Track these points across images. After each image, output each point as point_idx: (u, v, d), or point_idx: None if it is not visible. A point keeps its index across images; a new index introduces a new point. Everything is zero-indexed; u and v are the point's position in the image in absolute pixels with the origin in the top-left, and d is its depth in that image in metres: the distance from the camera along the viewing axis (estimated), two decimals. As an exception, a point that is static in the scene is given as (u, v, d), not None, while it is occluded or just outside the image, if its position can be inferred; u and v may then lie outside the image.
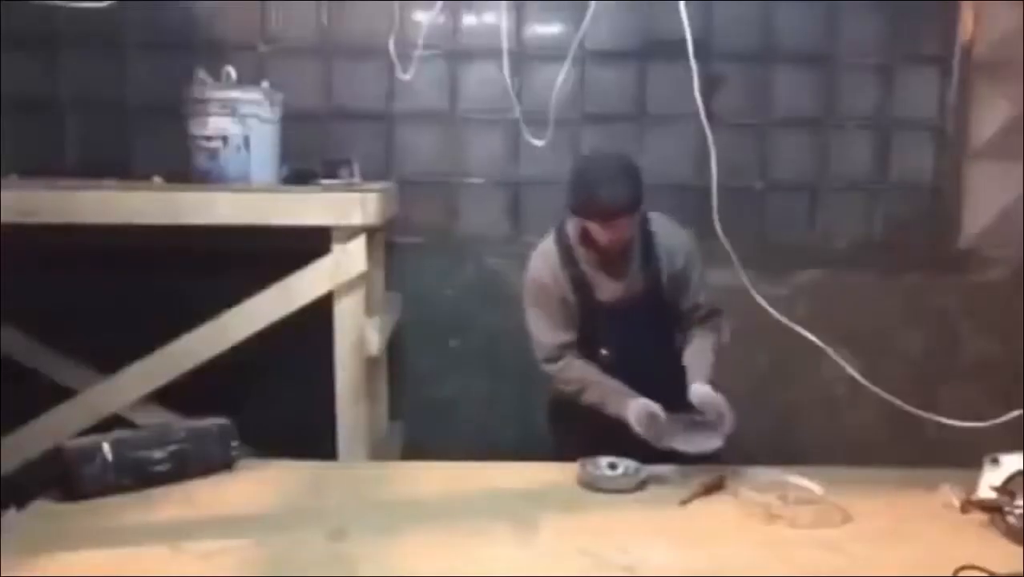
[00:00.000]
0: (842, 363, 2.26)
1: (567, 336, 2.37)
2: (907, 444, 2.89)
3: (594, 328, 2.39)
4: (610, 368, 2.36)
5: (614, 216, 2.22)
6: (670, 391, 2.26)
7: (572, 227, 2.37)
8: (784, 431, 3.01)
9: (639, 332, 2.37)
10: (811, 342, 2.25)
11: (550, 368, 2.40)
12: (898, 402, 2.16)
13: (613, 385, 2.31)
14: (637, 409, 2.20)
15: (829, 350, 2.24)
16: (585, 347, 2.40)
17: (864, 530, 1.91)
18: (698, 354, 2.36)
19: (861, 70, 3.39)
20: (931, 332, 3.44)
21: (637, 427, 2.18)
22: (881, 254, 3.44)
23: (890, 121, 3.41)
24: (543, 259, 2.39)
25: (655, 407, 2.20)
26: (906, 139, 3.43)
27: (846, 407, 3.25)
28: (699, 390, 2.24)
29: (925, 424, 2.20)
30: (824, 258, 3.42)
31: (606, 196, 2.20)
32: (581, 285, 2.36)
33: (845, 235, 3.45)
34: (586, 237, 2.33)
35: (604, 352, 2.39)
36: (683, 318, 2.43)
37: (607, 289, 2.37)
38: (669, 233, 2.41)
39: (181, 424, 2.22)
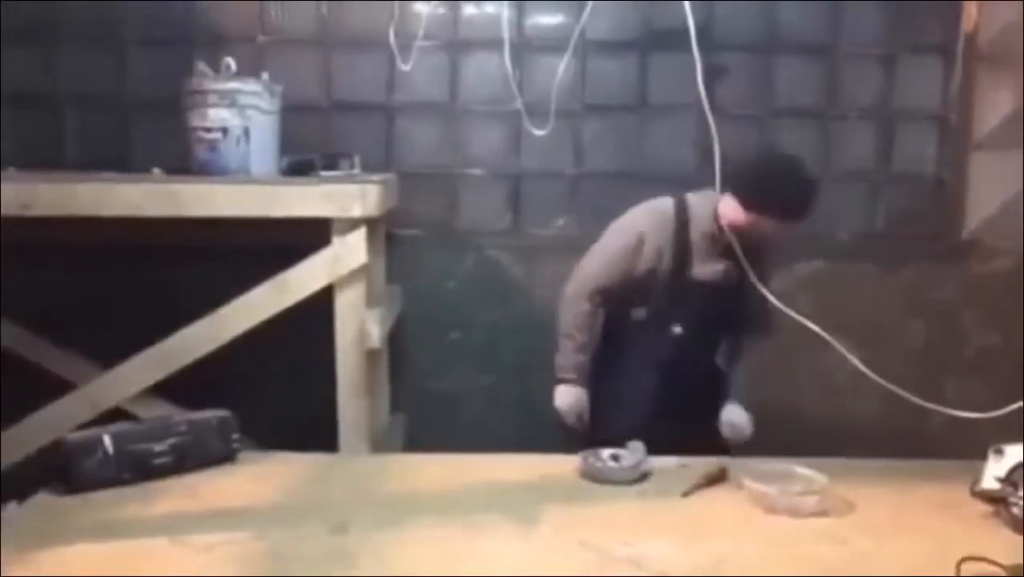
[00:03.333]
0: (846, 353, 2.25)
1: (608, 286, 2.44)
2: (910, 435, 2.89)
3: (674, 304, 2.43)
4: (675, 346, 2.43)
5: (793, 220, 2.29)
6: (708, 391, 2.44)
7: (727, 209, 2.36)
8: (787, 422, 3.01)
9: (714, 321, 2.42)
10: (814, 333, 2.24)
11: (568, 298, 2.48)
12: (902, 393, 2.15)
13: (571, 359, 2.47)
14: (562, 397, 2.45)
15: (833, 340, 2.23)
16: (658, 320, 2.45)
17: (867, 521, 1.90)
18: (741, 371, 2.48)
19: (864, 60, 3.38)
20: (934, 323, 3.43)
21: (558, 408, 2.45)
22: (884, 245, 3.43)
23: (893, 112, 3.40)
24: (653, 217, 2.43)
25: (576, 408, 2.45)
26: (909, 130, 3.42)
27: (849, 398, 3.24)
28: (735, 413, 2.41)
29: (928, 415, 2.19)
30: (826, 249, 3.41)
31: (800, 202, 2.28)
32: (683, 260, 2.40)
33: (847, 226, 3.44)
34: (736, 225, 2.34)
35: (676, 329, 2.44)
36: (745, 321, 2.49)
37: (703, 271, 2.41)
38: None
39: (182, 417, 2.21)
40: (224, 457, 2.18)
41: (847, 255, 3.41)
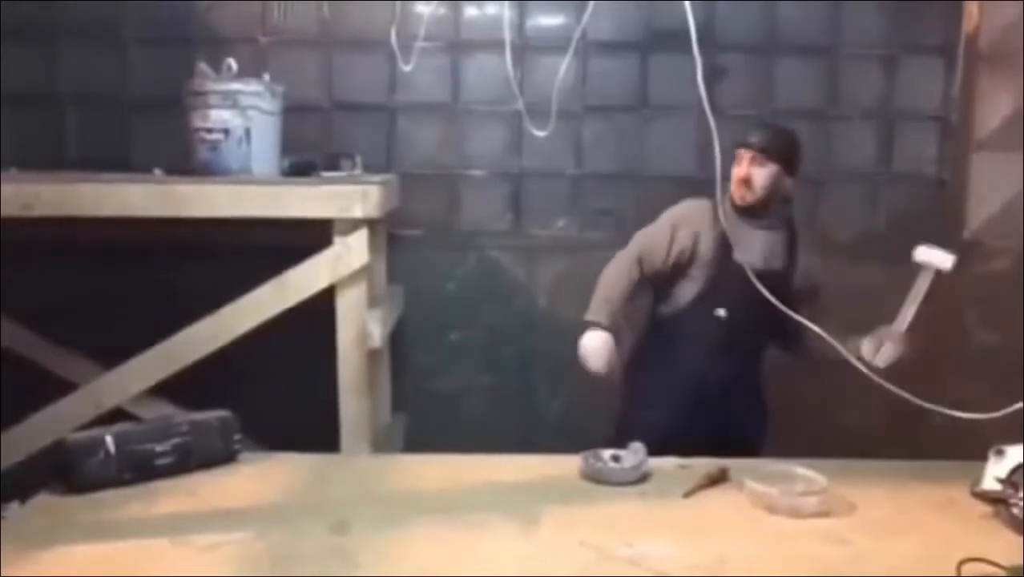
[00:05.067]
0: (846, 354, 2.25)
1: (652, 256, 2.60)
2: (911, 436, 2.89)
3: (718, 288, 2.53)
4: (719, 330, 2.53)
5: (749, 150, 2.52)
6: (751, 382, 2.58)
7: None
8: (788, 423, 3.00)
9: (760, 303, 2.40)
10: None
11: (615, 260, 2.63)
12: (902, 393, 2.15)
13: (601, 305, 2.55)
14: (588, 340, 2.49)
15: (833, 341, 2.23)
16: (703, 304, 2.55)
17: (868, 522, 1.90)
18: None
19: (864, 61, 3.38)
20: (935, 324, 3.42)
21: (582, 353, 2.49)
22: (884, 246, 3.42)
23: (894, 112, 3.40)
24: (689, 207, 2.63)
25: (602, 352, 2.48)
26: (910, 130, 3.42)
27: (849, 399, 3.24)
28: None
29: (929, 415, 2.19)
30: (827, 249, 3.39)
31: (750, 134, 2.56)
32: (722, 241, 2.51)
33: (848, 227, 3.44)
34: (739, 176, 2.54)
35: (720, 313, 2.53)
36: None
37: (747, 252, 2.49)
38: (808, 252, 2.67)
39: (183, 417, 2.21)
40: (225, 457, 2.18)
41: (847, 255, 3.41)
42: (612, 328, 2.53)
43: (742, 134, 2.57)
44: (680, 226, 2.58)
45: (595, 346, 2.50)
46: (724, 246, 2.52)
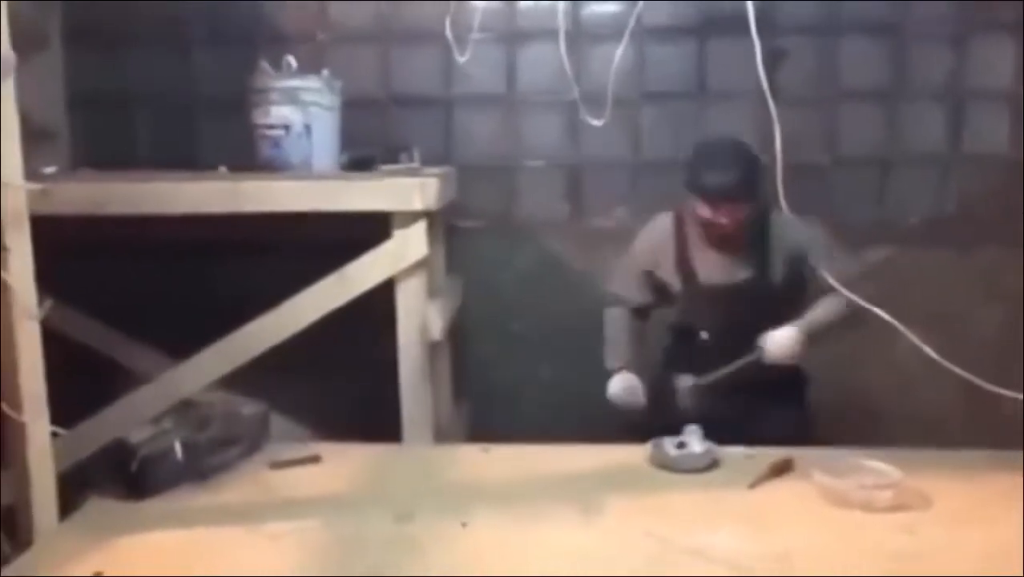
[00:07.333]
0: (917, 342, 2.19)
1: (627, 293, 2.58)
2: (985, 424, 2.79)
3: (696, 311, 2.45)
4: (708, 352, 2.43)
5: (719, 199, 2.27)
6: (763, 380, 2.35)
7: (689, 206, 2.37)
8: (858, 412, 2.94)
9: (742, 319, 2.38)
10: (884, 321, 2.18)
11: (607, 304, 2.64)
12: (977, 381, 2.08)
13: (616, 351, 2.54)
14: (615, 384, 2.45)
15: (903, 328, 2.17)
16: (685, 329, 2.50)
17: (941, 514, 1.85)
18: (812, 308, 2.37)
19: (933, 39, 3.27)
20: (1008, 308, 3.31)
21: (613, 398, 2.44)
22: (955, 229, 3.32)
23: (963, 91, 3.28)
24: (654, 231, 2.53)
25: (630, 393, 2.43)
26: (980, 110, 3.29)
27: (922, 387, 3.15)
28: (778, 334, 2.29)
29: (1003, 403, 2.12)
30: (896, 235, 3.31)
31: (713, 179, 2.27)
32: (686, 266, 2.42)
33: (918, 211, 3.33)
34: (698, 216, 2.34)
35: (704, 336, 2.46)
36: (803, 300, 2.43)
37: (712, 274, 2.40)
38: (788, 228, 2.36)
39: (224, 408, 2.26)
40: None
41: (918, 240, 3.31)
42: (629, 366, 2.50)
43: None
44: (639, 263, 2.53)
45: (615, 392, 2.47)
46: (686, 272, 2.44)
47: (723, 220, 2.29)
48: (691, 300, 2.46)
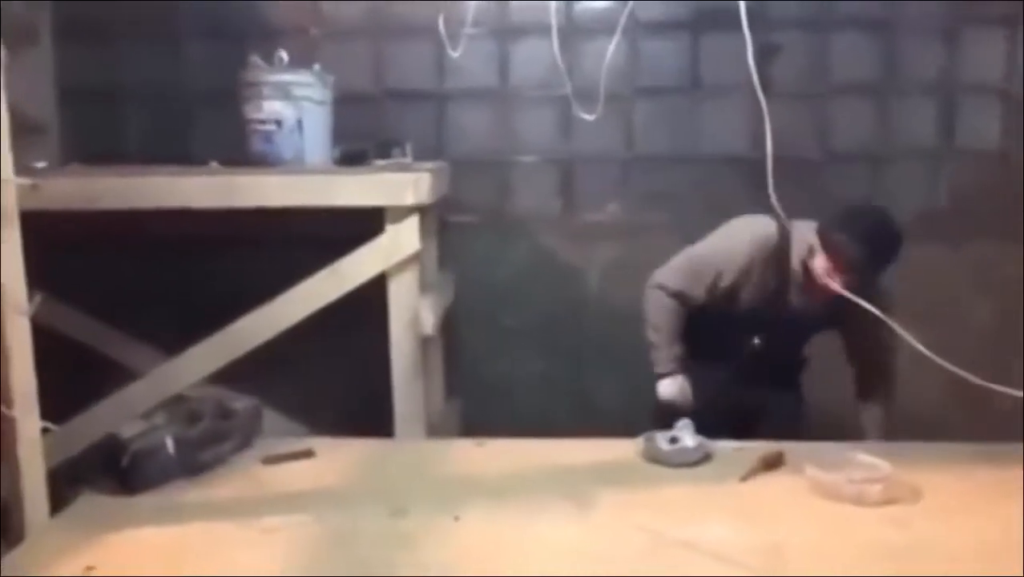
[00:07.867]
0: (908, 337, 2.19)
1: (692, 291, 2.46)
2: (976, 418, 2.81)
3: (760, 318, 2.45)
4: (753, 356, 2.46)
5: (847, 267, 2.28)
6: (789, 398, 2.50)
7: (821, 265, 2.34)
8: (849, 407, 2.94)
9: (798, 340, 2.47)
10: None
11: (653, 287, 2.50)
12: (967, 375, 2.09)
13: (664, 352, 2.47)
14: (665, 389, 2.44)
15: (894, 324, 2.18)
16: (739, 328, 2.47)
17: (932, 507, 1.86)
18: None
19: (924, 34, 3.27)
20: (1000, 303, 3.33)
21: (662, 398, 2.44)
22: (947, 224, 3.33)
23: (955, 86, 3.29)
24: (755, 244, 2.42)
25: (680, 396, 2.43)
26: (971, 104, 3.30)
27: (913, 381, 3.16)
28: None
29: (995, 398, 2.13)
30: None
31: (858, 249, 2.27)
32: (780, 283, 2.41)
33: (909, 204, 3.34)
34: (814, 262, 2.35)
35: (756, 341, 2.47)
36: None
37: (797, 301, 2.42)
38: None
39: (213, 403, 2.25)
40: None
41: (909, 234, 3.31)
42: (679, 368, 2.49)
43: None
44: (718, 264, 2.44)
45: (670, 396, 2.48)
46: (779, 285, 2.42)
47: (833, 285, 2.28)
48: (765, 306, 2.44)
